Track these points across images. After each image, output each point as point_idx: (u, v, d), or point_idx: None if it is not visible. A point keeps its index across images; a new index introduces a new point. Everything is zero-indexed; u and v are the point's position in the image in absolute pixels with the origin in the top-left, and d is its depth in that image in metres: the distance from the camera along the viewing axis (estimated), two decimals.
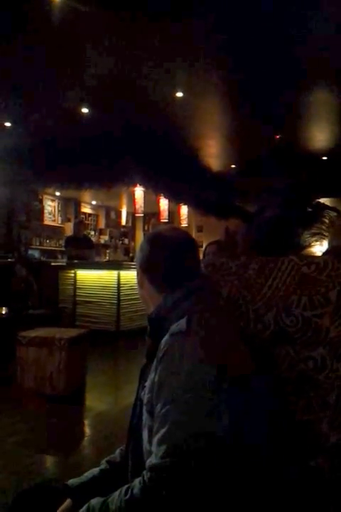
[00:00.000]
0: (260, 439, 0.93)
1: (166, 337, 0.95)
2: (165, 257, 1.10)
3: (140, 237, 12.27)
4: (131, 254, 10.48)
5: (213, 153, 7.27)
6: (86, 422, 3.61)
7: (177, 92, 4.67)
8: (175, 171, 6.46)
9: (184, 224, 10.07)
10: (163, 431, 0.84)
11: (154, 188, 6.87)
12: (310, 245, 1.53)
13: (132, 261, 7.69)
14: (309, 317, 1.13)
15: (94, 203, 10.95)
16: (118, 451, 1.21)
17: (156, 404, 0.89)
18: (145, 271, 1.12)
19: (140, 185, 7.26)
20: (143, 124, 5.18)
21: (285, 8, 3.42)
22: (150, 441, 0.92)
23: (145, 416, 0.97)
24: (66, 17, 3.47)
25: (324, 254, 1.63)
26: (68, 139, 5.57)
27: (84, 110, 5.31)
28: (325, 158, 7.67)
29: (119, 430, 2.73)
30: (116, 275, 6.69)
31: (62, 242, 9.19)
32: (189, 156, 6.75)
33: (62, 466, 2.76)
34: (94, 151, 5.54)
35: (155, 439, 0.86)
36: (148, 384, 0.97)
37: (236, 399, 0.89)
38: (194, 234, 12.50)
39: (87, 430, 3.49)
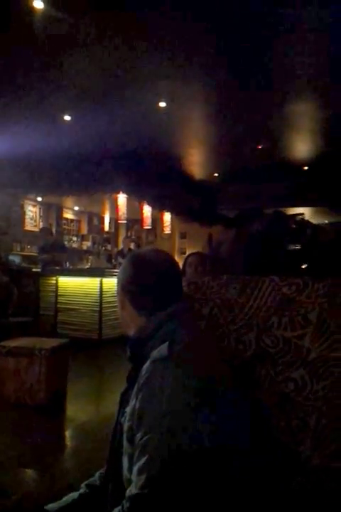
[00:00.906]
0: (242, 461, 0.93)
1: (147, 364, 0.94)
2: (148, 279, 1.09)
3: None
4: (113, 261, 10.42)
5: (196, 161, 7.31)
6: (66, 433, 3.55)
7: (160, 101, 4.68)
8: (159, 178, 6.47)
9: (167, 231, 10.09)
10: (143, 460, 0.83)
11: (137, 195, 6.86)
12: (294, 261, 1.56)
13: (115, 268, 7.64)
14: (289, 338, 1.14)
15: (76, 208, 10.87)
16: (97, 474, 1.19)
17: (137, 432, 0.88)
18: (128, 292, 1.11)
19: (123, 192, 7.24)
20: (127, 131, 5.18)
21: (269, 22, 3.47)
22: (130, 470, 0.91)
23: (125, 443, 0.96)
24: (49, 25, 3.45)
25: (306, 269, 1.66)
26: (50, 145, 5.52)
27: (67, 118, 5.28)
28: (306, 168, 7.78)
29: (100, 443, 2.69)
30: (99, 282, 6.64)
31: None
32: (172, 164, 6.77)
33: (40, 480, 2.71)
34: (77, 157, 5.50)
35: (135, 468, 0.85)
36: (128, 411, 0.96)
37: (218, 423, 0.88)
38: (177, 241, 12.53)
39: (68, 442, 3.43)
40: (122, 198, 7.74)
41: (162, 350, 0.94)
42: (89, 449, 2.99)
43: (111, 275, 6.67)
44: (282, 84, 4.56)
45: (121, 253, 8.79)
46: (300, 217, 1.65)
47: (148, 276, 1.09)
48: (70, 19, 3.31)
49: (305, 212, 10.52)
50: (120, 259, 8.26)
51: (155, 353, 0.95)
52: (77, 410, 4.03)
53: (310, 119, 5.69)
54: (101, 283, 6.60)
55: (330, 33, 3.69)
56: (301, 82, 4.53)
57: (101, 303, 6.59)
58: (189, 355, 0.93)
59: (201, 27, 3.44)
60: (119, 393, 1.11)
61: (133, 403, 0.93)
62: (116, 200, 7.85)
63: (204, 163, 7.58)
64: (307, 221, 1.61)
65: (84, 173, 6.02)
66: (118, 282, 1.18)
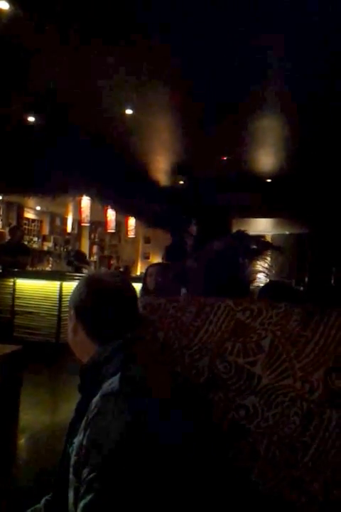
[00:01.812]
0: (190, 490, 0.92)
1: (97, 397, 0.91)
2: (105, 305, 1.06)
3: (86, 245, 12.05)
4: (75, 263, 10.23)
5: (162, 168, 7.33)
6: (18, 444, 3.44)
7: (126, 109, 4.66)
8: (123, 183, 6.43)
9: (131, 235, 10.02)
10: (88, 498, 0.81)
11: (101, 199, 6.78)
12: (253, 280, 1.58)
13: (77, 271, 7.51)
14: (242, 364, 1.14)
15: (38, 208, 10.60)
16: (43, 501, 1.15)
17: (83, 468, 0.85)
18: (81, 317, 1.08)
19: (86, 195, 7.13)
20: (92, 136, 5.11)
21: (235, 34, 3.52)
22: (75, 504, 0.88)
23: (71, 476, 0.93)
24: (14, 27, 3.35)
25: (260, 291, 1.68)
26: (13, 145, 5.37)
27: (31, 119, 5.15)
28: (269, 180, 7.98)
29: (53, 455, 2.62)
30: (58, 286, 6.50)
31: None
32: (137, 170, 6.75)
33: None
34: (40, 159, 5.37)
35: (80, 504, 0.82)
36: (76, 444, 0.93)
37: (168, 460, 0.87)
38: (141, 245, 12.49)
39: (20, 454, 3.33)
40: (86, 201, 7.62)
41: (113, 384, 0.91)
42: (42, 460, 2.91)
43: (73, 279, 6.55)
44: (247, 99, 4.65)
45: None
46: (262, 239, 1.67)
47: (105, 303, 1.06)
48: (37, 25, 3.23)
49: (268, 222, 10.79)
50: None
51: (106, 387, 0.92)
52: (31, 420, 3.91)
53: (274, 134, 5.84)
54: (61, 287, 6.46)
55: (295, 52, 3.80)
56: (266, 98, 4.65)
57: (60, 307, 6.45)
58: (140, 390, 0.91)
59: (167, 39, 3.46)
60: (76, 402, 1.07)
61: (80, 437, 0.90)
62: (79, 202, 7.73)
63: (169, 170, 7.61)
64: (269, 243, 1.64)
65: (47, 175, 5.88)
66: (71, 305, 1.13)
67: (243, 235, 1.70)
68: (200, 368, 1.17)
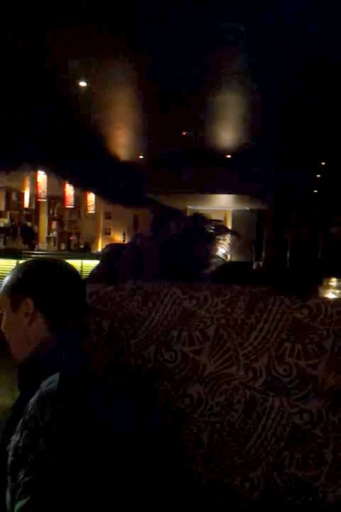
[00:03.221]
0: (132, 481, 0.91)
1: (34, 398, 0.87)
2: (64, 288, 1.05)
3: (44, 221, 11.72)
4: (34, 242, 9.94)
5: (121, 142, 7.17)
6: None
7: (80, 81, 4.49)
8: (80, 158, 6.25)
9: (91, 210, 9.81)
10: (24, 501, 0.78)
11: (57, 174, 6.57)
12: (209, 264, 1.56)
13: (33, 249, 7.31)
14: (187, 353, 1.13)
15: None
16: None
17: (19, 470, 0.82)
18: (40, 302, 1.03)
19: (41, 170, 6.89)
20: (46, 109, 4.90)
21: (192, 8, 3.43)
22: (12, 504, 0.85)
23: (8, 477, 0.89)
24: None
25: (212, 274, 1.67)
26: None
27: None
28: (229, 156, 7.99)
29: None
30: (15, 264, 6.31)
31: None
32: (95, 144, 6.57)
33: None
34: None
35: (16, 506, 0.80)
36: (12, 444, 0.89)
37: (110, 462, 0.85)
38: (101, 221, 12.29)
39: None
40: (42, 175, 7.36)
41: (52, 384, 0.87)
42: None
43: (29, 257, 6.38)
44: (206, 74, 4.58)
45: None
46: (220, 223, 1.66)
47: (65, 287, 1.05)
48: None
49: (228, 199, 10.89)
50: None
51: (44, 386, 0.88)
52: None
53: (233, 110, 5.82)
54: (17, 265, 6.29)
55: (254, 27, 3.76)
56: (225, 73, 4.59)
57: None
58: (80, 391, 0.88)
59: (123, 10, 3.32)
60: None
61: (17, 438, 0.86)
62: (35, 176, 7.46)
63: (129, 145, 7.47)
64: (225, 227, 1.63)
65: (1, 148, 5.61)
66: (24, 293, 1.04)
67: (199, 218, 1.67)
68: (146, 356, 1.15)
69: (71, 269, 1.11)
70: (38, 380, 0.90)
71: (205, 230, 1.58)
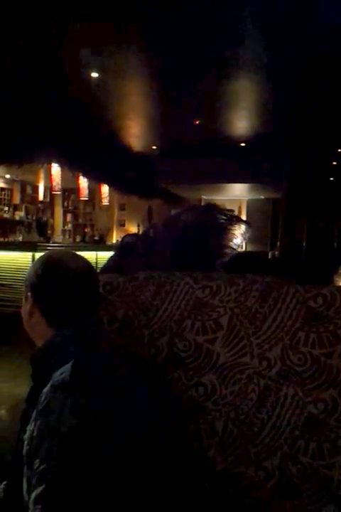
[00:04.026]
0: (147, 465, 0.92)
1: (47, 388, 0.88)
2: (62, 288, 1.02)
3: (59, 214, 11.82)
4: (49, 232, 10.03)
5: (134, 133, 7.15)
6: None
7: (92, 72, 4.48)
8: (94, 150, 6.25)
9: (105, 202, 9.85)
10: (39, 489, 0.80)
11: (71, 167, 6.60)
12: (222, 255, 1.55)
13: (49, 242, 7.38)
14: (201, 342, 1.13)
15: (8, 176, 10.26)
16: (2, 486, 1.14)
17: (34, 459, 0.84)
18: (39, 299, 1.04)
19: (55, 163, 6.92)
20: (58, 102, 4.91)
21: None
22: (28, 492, 0.87)
23: (24, 466, 0.91)
24: None
25: (225, 264, 1.66)
26: None
27: None
28: (243, 144, 7.91)
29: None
30: (31, 257, 6.39)
31: None
32: (108, 136, 6.57)
33: None
34: (4, 124, 5.14)
35: (32, 495, 0.81)
36: (27, 434, 0.91)
37: (122, 452, 0.86)
38: (116, 212, 12.33)
39: None
40: (56, 168, 7.41)
41: (65, 373, 0.88)
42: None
43: (45, 249, 6.45)
44: (219, 61, 4.52)
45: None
46: (232, 213, 1.63)
47: (63, 286, 1.02)
48: None
49: (242, 188, 10.79)
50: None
51: (56, 376, 0.89)
52: (5, 393, 3.88)
53: (247, 97, 5.74)
54: (33, 257, 6.36)
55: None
56: (239, 59, 4.53)
57: None
58: (93, 381, 0.89)
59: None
60: None
61: (31, 428, 0.88)
62: (49, 169, 7.52)
63: (141, 136, 7.44)
64: (238, 217, 1.60)
65: (14, 142, 5.65)
66: (27, 286, 1.08)
67: (212, 208, 1.66)
68: (159, 346, 1.15)
69: (77, 265, 1.06)
70: (50, 371, 0.92)
71: (217, 220, 1.56)
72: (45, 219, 9.97)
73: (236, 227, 1.55)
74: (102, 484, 0.82)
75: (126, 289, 1.23)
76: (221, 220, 1.56)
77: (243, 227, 1.56)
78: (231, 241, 1.54)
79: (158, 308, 1.19)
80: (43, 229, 8.13)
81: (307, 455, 1.01)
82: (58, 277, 1.03)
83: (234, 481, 1.04)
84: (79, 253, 1.16)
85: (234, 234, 1.54)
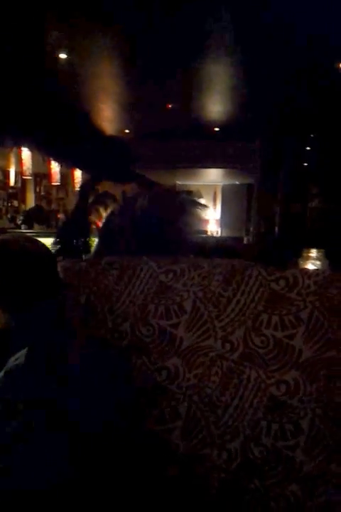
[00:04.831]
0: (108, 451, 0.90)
1: (1, 374, 0.86)
2: (18, 273, 0.99)
3: (31, 199, 11.55)
4: (21, 218, 9.80)
5: (106, 116, 7.01)
6: None
7: (60, 53, 4.35)
8: (63, 133, 6.10)
9: (78, 187, 9.67)
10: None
11: (40, 150, 6.42)
12: (182, 239, 1.53)
13: (19, 228, 7.21)
14: (164, 327, 1.12)
15: None
16: None
17: None
18: None
19: (24, 147, 6.73)
20: (25, 83, 4.76)
21: None
22: None
23: None
24: None
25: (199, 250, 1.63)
26: None
27: None
28: (217, 129, 7.88)
29: None
30: None
31: None
32: (79, 119, 6.42)
33: None
34: None
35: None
36: None
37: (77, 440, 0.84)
38: (90, 198, 12.14)
39: None
40: (26, 152, 7.20)
41: (20, 358, 0.86)
42: None
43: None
44: (192, 43, 4.46)
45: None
46: (187, 195, 1.59)
47: (10, 270, 0.99)
48: None
49: (217, 173, 10.80)
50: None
51: (11, 362, 0.86)
52: None
53: (221, 81, 5.70)
54: None
55: None
56: (213, 43, 4.47)
57: None
58: (49, 364, 0.86)
59: None
60: None
61: None
62: (20, 153, 7.30)
63: (114, 120, 7.31)
64: (195, 200, 1.57)
65: None
66: None
67: (168, 192, 1.64)
68: (123, 331, 1.14)
69: (31, 249, 1.04)
70: (5, 356, 0.89)
71: (174, 204, 1.53)
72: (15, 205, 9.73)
73: (194, 209, 1.51)
74: (61, 471, 0.80)
75: (89, 274, 1.20)
76: (177, 203, 1.53)
77: (200, 209, 1.53)
78: (194, 224, 1.51)
79: (121, 293, 1.16)
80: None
81: (270, 436, 1.02)
82: (10, 262, 1.00)
83: (198, 463, 1.04)
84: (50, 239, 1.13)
85: (194, 216, 1.51)
